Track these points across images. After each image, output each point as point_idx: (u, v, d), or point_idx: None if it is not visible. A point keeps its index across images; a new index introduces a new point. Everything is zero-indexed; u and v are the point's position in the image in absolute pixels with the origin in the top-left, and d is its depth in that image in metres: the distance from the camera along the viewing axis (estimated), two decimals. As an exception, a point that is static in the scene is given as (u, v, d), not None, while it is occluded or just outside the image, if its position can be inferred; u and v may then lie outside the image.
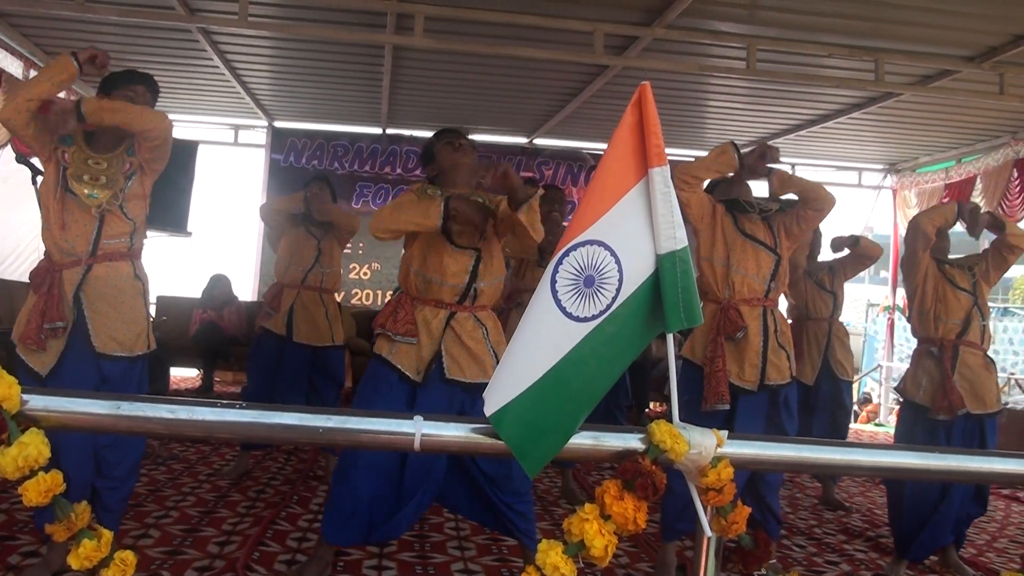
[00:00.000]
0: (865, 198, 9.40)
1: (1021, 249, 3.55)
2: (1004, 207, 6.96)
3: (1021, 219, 6.98)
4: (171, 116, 2.74)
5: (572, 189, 8.65)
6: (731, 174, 3.19)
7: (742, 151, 3.10)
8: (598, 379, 1.42)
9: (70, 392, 1.55)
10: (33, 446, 1.27)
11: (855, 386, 8.25)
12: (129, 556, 1.34)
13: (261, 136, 8.66)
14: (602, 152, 1.64)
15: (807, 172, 9.27)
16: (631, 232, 1.43)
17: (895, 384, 4.45)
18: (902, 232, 5.68)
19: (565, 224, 3.44)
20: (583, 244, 1.44)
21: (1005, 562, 3.88)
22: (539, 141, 8.77)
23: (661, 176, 1.42)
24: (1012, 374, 10.30)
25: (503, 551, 3.35)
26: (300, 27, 5.48)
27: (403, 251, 2.90)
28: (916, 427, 3.58)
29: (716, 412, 2.98)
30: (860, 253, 4.71)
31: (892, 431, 6.32)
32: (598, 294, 1.42)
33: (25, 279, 5.66)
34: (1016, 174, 7.02)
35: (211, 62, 6.38)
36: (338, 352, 4.50)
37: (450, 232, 2.70)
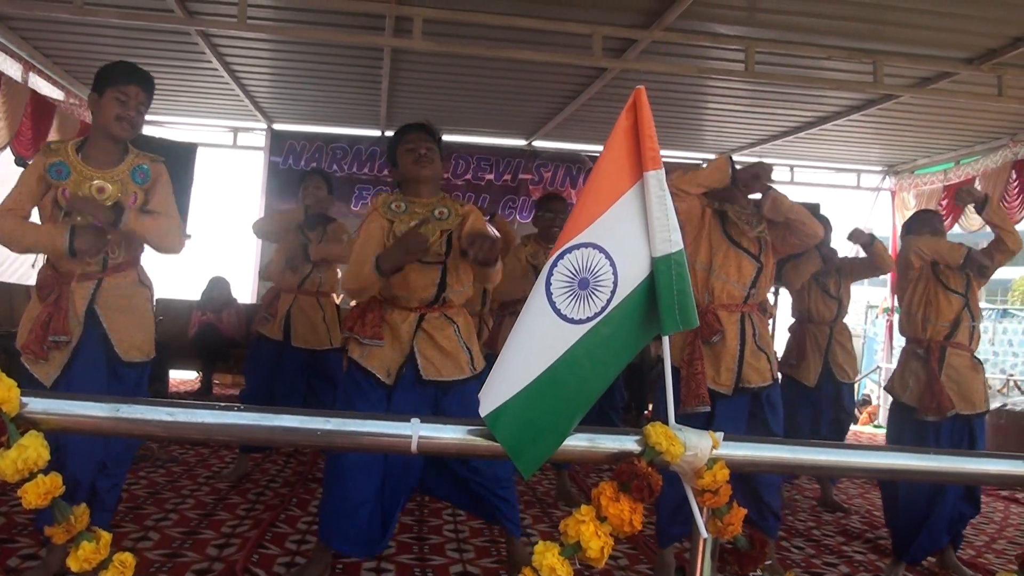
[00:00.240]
0: (864, 200, 9.42)
1: (1013, 252, 3.56)
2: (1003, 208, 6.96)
3: (1020, 220, 7.00)
4: (170, 118, 2.74)
5: (571, 191, 8.68)
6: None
7: (737, 167, 3.06)
8: (593, 381, 1.43)
9: (69, 394, 1.56)
10: (32, 448, 1.27)
11: (855, 387, 8.23)
12: (128, 558, 1.34)
13: (260, 139, 8.67)
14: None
15: (806, 174, 9.31)
16: (626, 235, 1.44)
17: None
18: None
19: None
20: (578, 247, 1.44)
21: (1003, 563, 3.88)
22: (538, 143, 8.79)
23: (656, 179, 1.43)
24: (1011, 375, 10.30)
25: (502, 553, 3.34)
26: (299, 30, 5.49)
27: None
28: (905, 427, 3.59)
29: (696, 415, 2.96)
30: (871, 260, 4.56)
31: (890, 432, 6.31)
32: (593, 296, 1.43)
33: (25, 281, 5.69)
34: (1015, 175, 7.03)
35: (210, 65, 6.39)
36: (336, 355, 4.47)
37: None
